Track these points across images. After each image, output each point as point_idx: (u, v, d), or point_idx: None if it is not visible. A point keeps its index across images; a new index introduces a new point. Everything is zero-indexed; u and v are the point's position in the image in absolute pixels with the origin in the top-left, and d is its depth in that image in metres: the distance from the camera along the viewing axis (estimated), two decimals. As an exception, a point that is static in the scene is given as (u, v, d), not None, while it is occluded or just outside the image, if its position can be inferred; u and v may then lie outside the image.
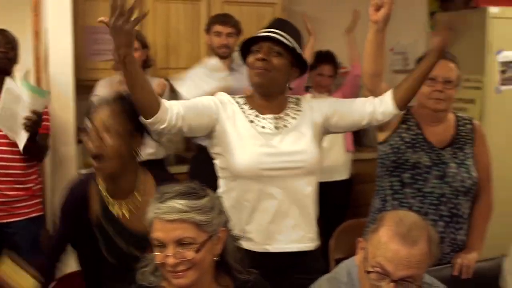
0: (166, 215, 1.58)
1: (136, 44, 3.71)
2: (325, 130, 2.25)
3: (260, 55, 2.11)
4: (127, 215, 2.03)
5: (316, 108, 2.24)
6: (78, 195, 2.06)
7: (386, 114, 2.19)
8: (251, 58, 2.14)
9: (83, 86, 3.77)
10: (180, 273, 1.60)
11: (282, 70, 2.15)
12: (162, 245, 1.59)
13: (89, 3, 3.99)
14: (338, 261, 2.00)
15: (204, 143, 3.61)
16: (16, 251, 3.15)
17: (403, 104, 2.18)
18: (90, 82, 3.75)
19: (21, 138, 2.95)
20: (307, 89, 4.17)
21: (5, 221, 3.08)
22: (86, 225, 2.03)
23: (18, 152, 3.02)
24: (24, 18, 4.24)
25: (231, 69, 3.71)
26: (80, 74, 3.80)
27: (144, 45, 3.75)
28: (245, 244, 2.08)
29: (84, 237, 2.05)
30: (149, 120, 1.96)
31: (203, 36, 3.97)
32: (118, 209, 2.03)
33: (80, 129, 2.02)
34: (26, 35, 3.98)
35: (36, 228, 3.19)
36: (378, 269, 1.66)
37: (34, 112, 2.84)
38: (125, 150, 1.98)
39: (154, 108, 1.96)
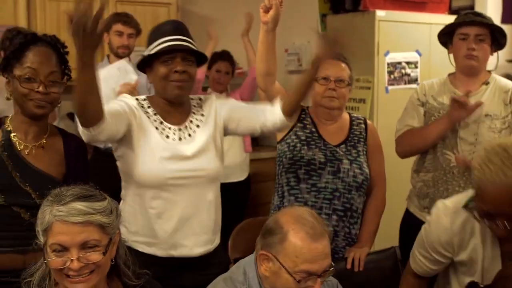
0: (70, 217, 1.54)
1: (132, 30, 3.61)
2: (225, 131, 2.28)
3: (179, 68, 2.08)
4: (30, 153, 1.98)
5: (218, 110, 2.25)
6: None
7: (275, 124, 2.23)
8: (163, 69, 2.10)
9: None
10: (82, 278, 1.56)
11: (194, 78, 2.17)
12: (63, 249, 1.54)
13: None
14: (236, 261, 2.02)
15: (100, 144, 3.58)
16: None
17: (290, 114, 2.22)
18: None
19: None
20: (204, 89, 4.19)
21: None
22: None
23: None
24: None
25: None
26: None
27: (138, 33, 3.66)
28: (150, 249, 2.11)
29: None
30: (92, 129, 1.88)
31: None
32: (22, 146, 1.97)
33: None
34: None
35: None
36: (303, 275, 1.72)
37: None
38: (59, 96, 1.97)
39: (100, 117, 1.88)
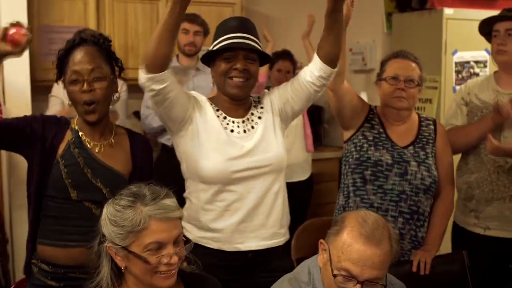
0: (169, 213, 1.58)
1: (198, 28, 3.68)
2: (287, 117, 2.25)
3: (239, 65, 2.09)
4: (100, 151, 2.04)
5: (273, 99, 2.24)
6: (56, 124, 2.06)
7: (318, 71, 2.13)
8: (224, 65, 2.11)
9: (39, 87, 3.71)
10: (172, 272, 1.59)
11: (256, 76, 2.17)
12: (159, 247, 1.56)
13: (46, 3, 3.93)
14: (299, 261, 2.01)
15: (168, 142, 3.64)
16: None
17: (329, 59, 2.12)
18: (47, 82, 3.68)
19: None
20: (267, 89, 4.19)
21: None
22: (48, 154, 2.00)
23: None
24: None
25: (197, 68, 3.71)
26: (36, 75, 3.74)
27: (206, 32, 3.72)
28: (214, 244, 2.12)
29: (41, 164, 2.00)
30: (153, 75, 1.94)
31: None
32: (93, 145, 2.04)
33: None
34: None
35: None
36: (344, 273, 1.67)
37: None
38: (110, 92, 2.02)
39: (165, 65, 1.95)
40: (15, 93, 3.50)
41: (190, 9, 4.10)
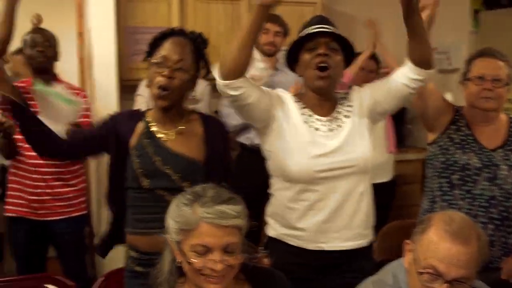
0: (220, 220, 1.56)
1: (278, 28, 3.74)
2: (376, 116, 2.22)
3: (322, 50, 2.07)
4: (170, 138, 2.08)
5: (363, 98, 2.20)
6: (127, 119, 2.13)
7: (416, 75, 2.09)
8: (307, 56, 2.10)
9: (126, 86, 3.82)
10: (219, 279, 1.58)
11: (340, 67, 2.14)
12: (206, 251, 1.57)
13: (131, 4, 4.04)
14: (381, 263, 1.97)
15: (246, 141, 3.66)
16: (60, 248, 3.23)
17: (421, 62, 2.06)
18: (133, 81, 3.79)
19: None
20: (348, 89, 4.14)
21: (49, 218, 3.12)
22: (123, 147, 2.08)
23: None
24: (68, 19, 4.30)
25: (275, 68, 3.72)
26: (123, 74, 3.85)
27: (286, 33, 3.77)
28: (297, 242, 2.11)
29: (116, 157, 2.10)
30: (229, 82, 1.96)
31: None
32: (162, 134, 2.09)
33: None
34: (70, 35, 4.04)
35: (79, 227, 3.23)
36: (430, 270, 1.63)
37: (75, 124, 2.91)
38: (188, 86, 2.07)
39: (243, 71, 1.97)
40: (103, 93, 3.62)
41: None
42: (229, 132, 2.27)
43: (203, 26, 4.24)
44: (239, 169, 3.57)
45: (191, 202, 1.60)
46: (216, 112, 4.28)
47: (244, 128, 3.68)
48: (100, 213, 3.56)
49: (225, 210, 1.57)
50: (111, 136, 2.09)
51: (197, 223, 1.57)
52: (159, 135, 2.09)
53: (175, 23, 4.19)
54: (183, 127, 2.12)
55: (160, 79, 2.01)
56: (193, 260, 1.57)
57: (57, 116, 2.93)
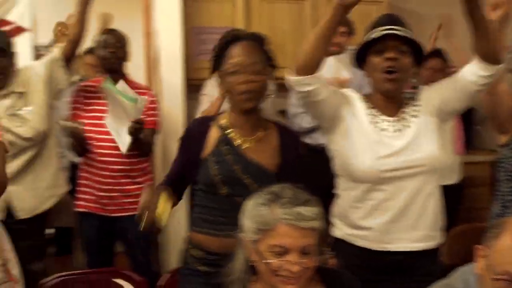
0: (299, 222, 1.55)
1: (344, 29, 3.76)
2: (446, 114, 2.16)
3: (391, 55, 2.05)
4: (247, 146, 2.07)
5: (432, 95, 2.16)
6: (196, 131, 2.13)
7: (483, 71, 2.03)
8: (376, 59, 2.08)
9: (192, 85, 3.88)
10: (294, 280, 1.58)
11: (409, 70, 2.10)
12: (283, 252, 1.57)
13: (197, 5, 4.10)
14: (450, 267, 1.93)
15: (312, 141, 3.65)
16: (127, 244, 3.31)
17: (488, 57, 2.00)
18: (199, 81, 3.84)
19: (124, 141, 3.07)
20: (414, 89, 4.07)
21: (117, 215, 3.21)
22: (195, 151, 2.09)
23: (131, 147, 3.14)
24: (136, 19, 4.40)
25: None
26: (189, 74, 3.91)
27: (351, 32, 3.79)
28: (361, 242, 2.09)
29: (186, 161, 2.12)
30: (303, 77, 1.97)
31: (307, 36, 3.97)
32: (240, 141, 2.08)
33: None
34: (137, 35, 4.13)
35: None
36: (505, 277, 1.58)
37: (137, 121, 2.96)
38: (266, 87, 2.06)
39: (317, 68, 1.98)
40: (169, 92, 3.68)
41: (336, 8, 4.12)
42: (302, 141, 2.26)
43: (267, 26, 4.26)
44: (303, 169, 3.58)
45: (269, 202, 1.61)
46: (282, 112, 4.29)
47: (311, 131, 3.67)
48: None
49: (304, 212, 1.57)
50: (192, 160, 2.10)
51: (275, 223, 1.57)
52: (237, 142, 2.08)
53: (239, 23, 4.22)
54: (262, 134, 2.11)
55: (242, 87, 2.01)
56: (270, 260, 1.57)
57: (123, 113, 3.00)
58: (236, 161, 2.04)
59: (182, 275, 2.15)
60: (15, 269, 1.72)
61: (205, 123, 2.15)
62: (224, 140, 2.08)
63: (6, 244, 1.72)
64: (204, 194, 2.08)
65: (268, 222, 1.58)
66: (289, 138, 2.17)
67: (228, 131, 2.09)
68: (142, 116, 3.12)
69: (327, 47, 1.96)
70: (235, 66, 2.01)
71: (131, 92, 2.98)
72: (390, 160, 2.05)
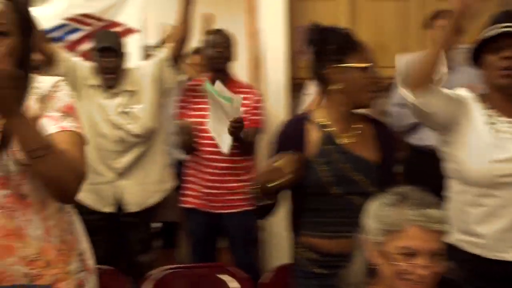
0: (431, 224, 1.52)
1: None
2: None
3: (508, 53, 1.97)
4: (350, 141, 2.06)
5: None
6: (292, 132, 2.11)
7: None
8: (492, 57, 2.01)
9: (296, 84, 3.88)
10: (420, 285, 1.54)
11: None
12: (411, 254, 1.53)
13: (301, 4, 4.09)
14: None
15: (419, 142, 3.55)
16: (231, 240, 3.37)
17: None
18: (302, 80, 3.84)
19: (225, 141, 3.12)
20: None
21: (221, 211, 3.27)
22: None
23: (235, 146, 3.18)
24: (238, 19, 4.46)
25: (450, 68, 3.57)
26: (294, 73, 3.91)
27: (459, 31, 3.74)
28: (474, 249, 2.02)
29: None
30: (415, 91, 1.96)
31: (412, 35, 3.89)
32: (342, 137, 2.06)
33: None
34: (241, 35, 4.18)
35: (249, 221, 3.34)
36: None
37: (236, 120, 3.00)
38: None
39: (430, 81, 1.97)
40: (273, 91, 3.71)
41: (444, 6, 3.99)
42: (396, 133, 2.23)
43: (372, 25, 4.19)
44: (409, 170, 3.49)
45: (397, 203, 1.57)
46: (382, 111, 4.21)
47: (413, 128, 3.57)
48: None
49: (433, 214, 1.53)
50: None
51: (404, 225, 1.54)
52: (340, 140, 2.06)
53: (343, 22, 4.17)
54: (359, 128, 2.09)
55: (369, 86, 2.02)
56: (398, 262, 1.54)
57: (222, 114, 3.05)
58: (343, 159, 2.02)
59: (295, 278, 2.14)
60: (90, 260, 1.80)
61: (299, 122, 2.13)
62: (327, 139, 2.06)
63: (82, 235, 1.80)
64: (314, 197, 2.06)
65: (396, 223, 1.55)
66: (383, 129, 2.16)
67: (329, 128, 2.08)
68: (245, 115, 3.16)
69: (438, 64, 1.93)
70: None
71: (227, 92, 3.03)
72: (507, 165, 1.96)
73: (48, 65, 3.17)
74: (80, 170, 1.60)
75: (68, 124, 1.63)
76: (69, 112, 1.66)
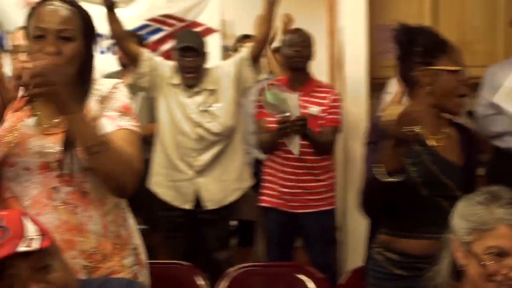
0: None
1: None
2: None
3: None
4: (438, 144, 2.01)
5: None
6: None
7: None
8: None
9: (376, 84, 3.82)
10: (509, 287, 1.48)
11: None
12: (503, 255, 1.48)
13: (383, 1, 4.02)
14: None
15: (502, 144, 3.42)
16: (308, 240, 3.35)
17: None
18: (383, 80, 3.78)
19: (294, 143, 3.11)
20: None
21: (299, 211, 3.26)
22: None
23: (311, 145, 3.18)
24: (319, 18, 4.43)
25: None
26: (374, 72, 3.85)
27: None
28: None
29: None
30: None
31: (500, 32, 3.75)
32: (431, 139, 2.01)
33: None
34: (321, 34, 4.16)
35: (327, 221, 3.31)
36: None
37: (298, 119, 2.98)
38: None
39: None
40: (352, 91, 3.66)
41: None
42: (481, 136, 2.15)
43: (456, 22, 4.06)
44: (492, 173, 3.37)
45: (487, 202, 1.53)
46: (469, 113, 4.08)
47: (502, 134, 3.43)
48: (345, 208, 3.60)
49: None
50: None
51: (495, 224, 1.50)
52: (429, 141, 2.01)
53: (427, 20, 4.07)
54: (447, 131, 2.05)
55: (459, 89, 1.98)
56: (486, 263, 1.49)
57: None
58: (433, 161, 1.98)
59: (373, 278, 2.10)
60: (143, 255, 1.88)
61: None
62: (421, 145, 2.00)
63: (135, 231, 1.87)
64: (401, 196, 1.99)
65: (486, 221, 1.50)
66: (466, 132, 2.11)
67: (418, 129, 2.02)
68: (322, 114, 3.19)
69: None
70: (456, 65, 1.98)
71: (281, 93, 3.03)
72: None
73: (132, 64, 3.26)
74: (135, 166, 1.69)
75: (125, 123, 1.73)
76: (126, 111, 1.76)
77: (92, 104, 1.73)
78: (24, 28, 1.76)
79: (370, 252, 2.11)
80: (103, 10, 3.01)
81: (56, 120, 1.69)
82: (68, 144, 1.65)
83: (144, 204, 3.10)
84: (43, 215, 1.65)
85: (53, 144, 1.68)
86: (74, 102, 1.56)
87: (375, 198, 2.01)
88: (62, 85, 1.51)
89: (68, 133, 1.64)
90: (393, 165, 1.85)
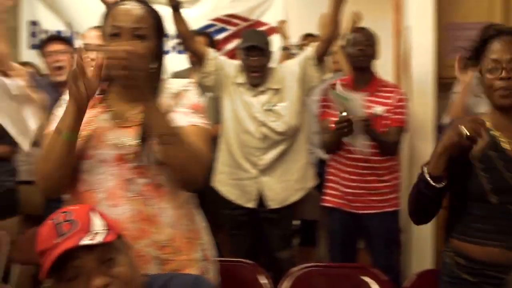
0: None
1: None
2: None
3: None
4: None
5: None
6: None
7: None
8: None
9: (444, 84, 3.73)
10: None
11: None
12: None
13: (450, 0, 3.93)
14: None
15: None
16: (371, 241, 3.31)
17: None
18: (451, 79, 3.69)
19: (360, 144, 3.09)
20: None
21: (362, 212, 3.22)
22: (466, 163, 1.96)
23: (375, 145, 3.14)
24: (386, 18, 4.38)
25: None
26: (441, 72, 3.77)
27: None
28: None
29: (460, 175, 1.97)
30: None
31: None
32: (507, 143, 1.95)
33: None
34: (388, 34, 4.11)
35: (391, 223, 3.27)
36: None
37: (363, 119, 2.97)
38: None
39: None
40: (419, 91, 3.60)
41: None
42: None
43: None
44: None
45: None
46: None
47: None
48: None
49: None
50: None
51: None
52: (505, 146, 1.95)
53: (497, 18, 3.95)
54: None
55: (498, 83, 1.90)
56: None
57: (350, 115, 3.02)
58: (507, 168, 1.92)
59: (443, 282, 2.06)
60: (211, 251, 1.91)
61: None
62: (492, 144, 1.94)
63: (204, 227, 1.90)
64: (471, 202, 1.96)
65: None
66: None
67: (493, 133, 1.96)
68: (387, 114, 3.16)
69: None
70: (493, 63, 1.92)
71: (344, 93, 3.00)
72: None
73: (198, 63, 3.31)
74: (204, 161, 1.76)
75: (196, 119, 1.79)
76: (197, 109, 1.82)
77: (164, 100, 1.78)
78: (100, 27, 1.82)
79: (443, 256, 2.08)
80: (168, 10, 3.06)
81: (132, 113, 1.75)
82: (144, 137, 1.71)
83: (208, 201, 3.13)
84: (119, 207, 1.71)
85: (129, 137, 1.73)
86: (149, 88, 1.64)
87: (417, 199, 1.98)
88: (143, 71, 1.58)
89: (144, 125, 1.70)
90: (434, 170, 1.84)
